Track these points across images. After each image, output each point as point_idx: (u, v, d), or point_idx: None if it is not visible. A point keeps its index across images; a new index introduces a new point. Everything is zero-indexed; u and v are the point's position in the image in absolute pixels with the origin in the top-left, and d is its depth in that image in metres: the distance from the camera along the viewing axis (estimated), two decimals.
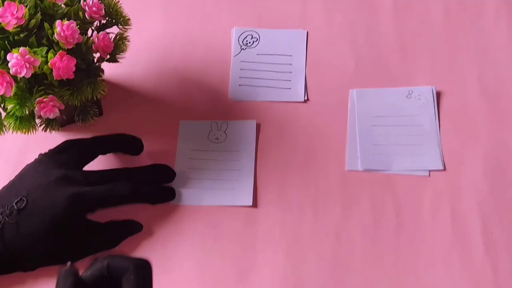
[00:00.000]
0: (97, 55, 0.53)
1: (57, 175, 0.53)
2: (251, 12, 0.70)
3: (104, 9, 0.54)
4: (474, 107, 0.63)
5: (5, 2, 0.49)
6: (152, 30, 0.69)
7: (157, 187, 0.58)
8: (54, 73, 0.49)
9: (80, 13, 0.52)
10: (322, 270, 0.55)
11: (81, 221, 0.53)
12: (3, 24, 0.49)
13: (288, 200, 0.57)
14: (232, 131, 0.62)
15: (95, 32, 0.53)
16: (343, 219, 0.57)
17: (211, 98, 0.64)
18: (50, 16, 0.51)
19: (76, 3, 0.53)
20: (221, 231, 0.57)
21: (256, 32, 0.69)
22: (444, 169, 0.59)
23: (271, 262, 0.55)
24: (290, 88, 0.65)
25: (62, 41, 0.49)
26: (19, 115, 0.50)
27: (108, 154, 0.59)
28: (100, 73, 0.55)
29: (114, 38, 0.55)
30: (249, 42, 0.68)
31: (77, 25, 0.50)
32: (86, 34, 0.53)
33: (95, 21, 0.53)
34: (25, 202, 0.51)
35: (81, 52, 0.51)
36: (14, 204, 0.51)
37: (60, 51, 0.49)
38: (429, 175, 0.59)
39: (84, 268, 0.39)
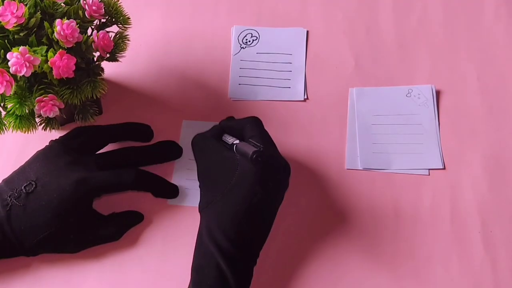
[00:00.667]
0: (97, 54, 0.53)
1: (67, 160, 0.54)
2: (251, 11, 0.70)
3: (104, 8, 0.54)
4: (474, 106, 0.63)
5: (5, 1, 0.49)
6: (152, 29, 0.69)
7: (163, 181, 0.58)
8: (54, 72, 0.49)
9: (80, 12, 0.52)
10: (321, 269, 0.55)
11: (87, 208, 0.54)
12: (3, 23, 0.49)
13: (287, 199, 0.57)
14: None
15: (95, 31, 0.53)
16: (342, 217, 0.57)
17: (211, 97, 0.64)
18: (50, 15, 0.52)
19: (76, 2, 0.53)
20: None
21: (256, 31, 0.69)
22: (444, 168, 0.59)
23: (268, 261, 0.55)
24: (289, 87, 0.65)
25: (62, 40, 0.49)
26: (19, 114, 0.50)
27: (118, 143, 0.60)
28: (100, 72, 0.55)
29: (114, 37, 0.55)
30: (249, 41, 0.68)
31: (77, 24, 0.50)
32: (86, 33, 0.53)
33: (95, 20, 0.53)
34: (34, 186, 0.52)
35: (81, 51, 0.51)
36: (23, 187, 0.52)
37: (60, 50, 0.49)
38: (429, 174, 0.59)
39: None
